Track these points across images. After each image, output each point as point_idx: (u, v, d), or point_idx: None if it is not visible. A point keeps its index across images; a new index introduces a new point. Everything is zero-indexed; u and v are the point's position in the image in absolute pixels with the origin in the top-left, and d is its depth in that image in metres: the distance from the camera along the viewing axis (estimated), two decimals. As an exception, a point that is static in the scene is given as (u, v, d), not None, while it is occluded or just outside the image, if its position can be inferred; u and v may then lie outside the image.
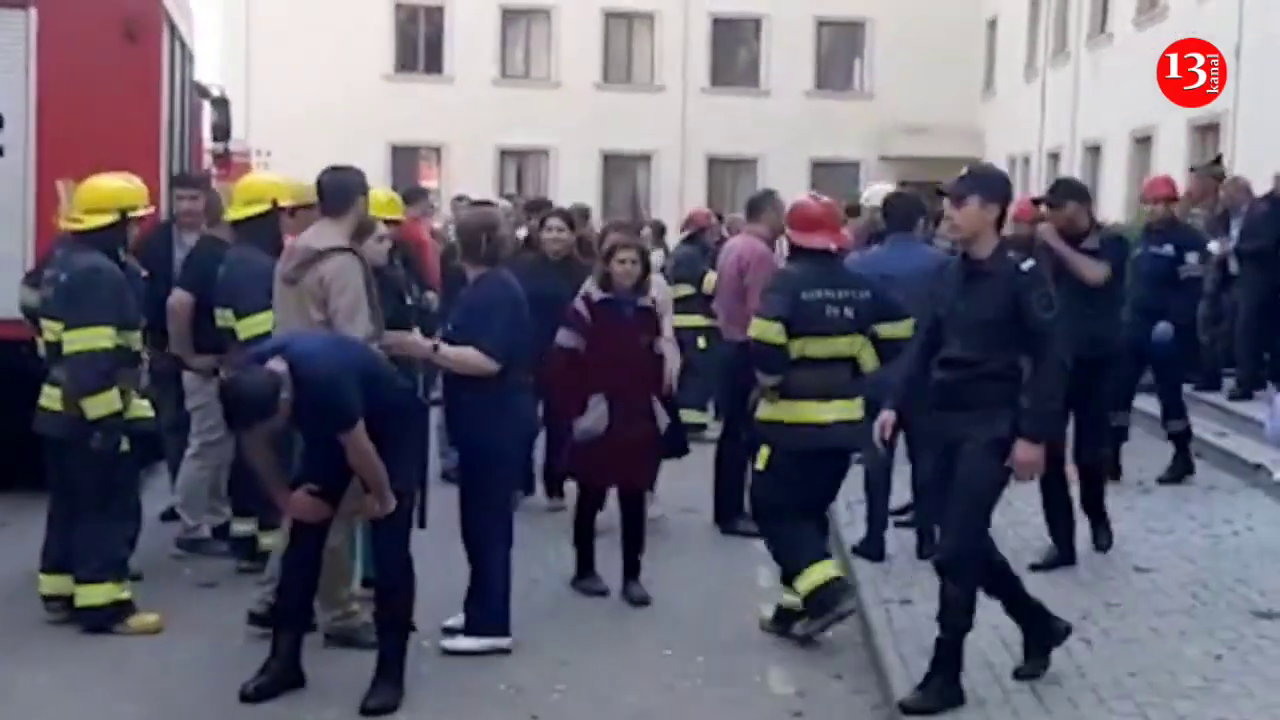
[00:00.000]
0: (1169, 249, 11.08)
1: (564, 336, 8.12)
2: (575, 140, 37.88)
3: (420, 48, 39.24)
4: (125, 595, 7.45)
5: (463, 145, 37.30)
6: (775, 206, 10.48)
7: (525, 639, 7.36)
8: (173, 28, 11.71)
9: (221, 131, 16.18)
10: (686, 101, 38.86)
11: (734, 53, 39.61)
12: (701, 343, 12.64)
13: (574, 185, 36.72)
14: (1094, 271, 8.94)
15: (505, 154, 38.44)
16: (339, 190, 7.15)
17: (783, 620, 7.74)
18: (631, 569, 8.41)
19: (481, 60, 38.55)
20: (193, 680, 6.80)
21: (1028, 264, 6.36)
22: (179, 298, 8.81)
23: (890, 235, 9.36)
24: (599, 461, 8.13)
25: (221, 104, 16.11)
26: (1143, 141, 25.14)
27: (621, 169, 39.28)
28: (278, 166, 28.86)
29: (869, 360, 7.54)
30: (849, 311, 7.41)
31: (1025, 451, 6.20)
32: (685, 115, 38.75)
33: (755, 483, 7.71)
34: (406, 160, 37.34)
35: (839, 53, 39.94)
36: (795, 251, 7.65)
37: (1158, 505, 10.60)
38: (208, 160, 16.20)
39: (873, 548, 8.96)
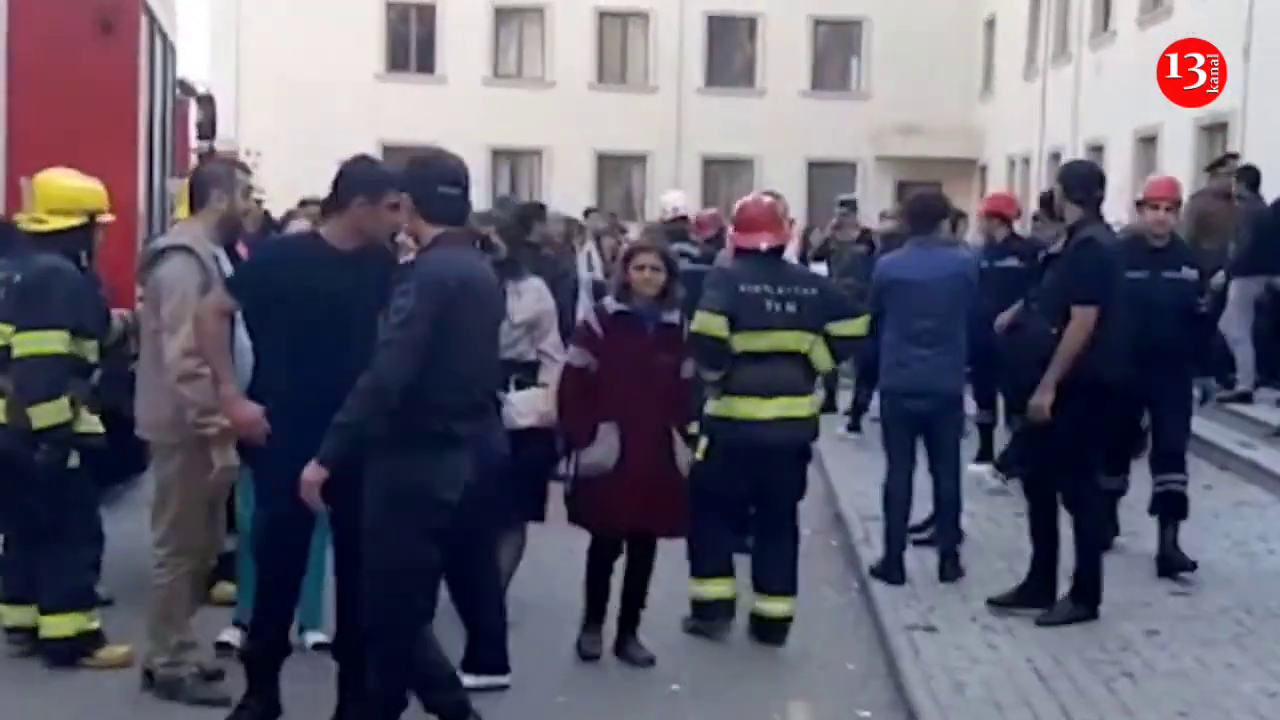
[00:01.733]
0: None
1: (574, 354, 7.11)
2: (569, 141, 37.43)
3: (412, 47, 38.78)
4: (94, 625, 6.91)
5: (455, 146, 35.74)
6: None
7: (524, 673, 6.84)
8: (152, 19, 11.21)
9: (206, 130, 15.66)
10: (681, 101, 38.44)
11: (729, 52, 39.18)
12: None
13: (567, 186, 36.31)
14: None
15: (498, 154, 37.98)
16: (197, 185, 6.67)
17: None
18: (630, 621, 7.33)
19: (474, 60, 38.12)
20: (166, 718, 6.26)
21: None
22: None
23: (912, 238, 8.88)
24: (608, 501, 6.94)
25: (207, 101, 15.60)
26: (1147, 141, 24.73)
27: (616, 170, 38.84)
28: (268, 166, 28.53)
29: (822, 359, 7.57)
30: (790, 306, 7.40)
31: None
32: (680, 115, 38.32)
33: (691, 472, 7.28)
34: (398, 160, 36.41)
35: (835, 52, 39.53)
36: (738, 251, 7.74)
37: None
38: (193, 160, 15.69)
39: (892, 570, 8.46)
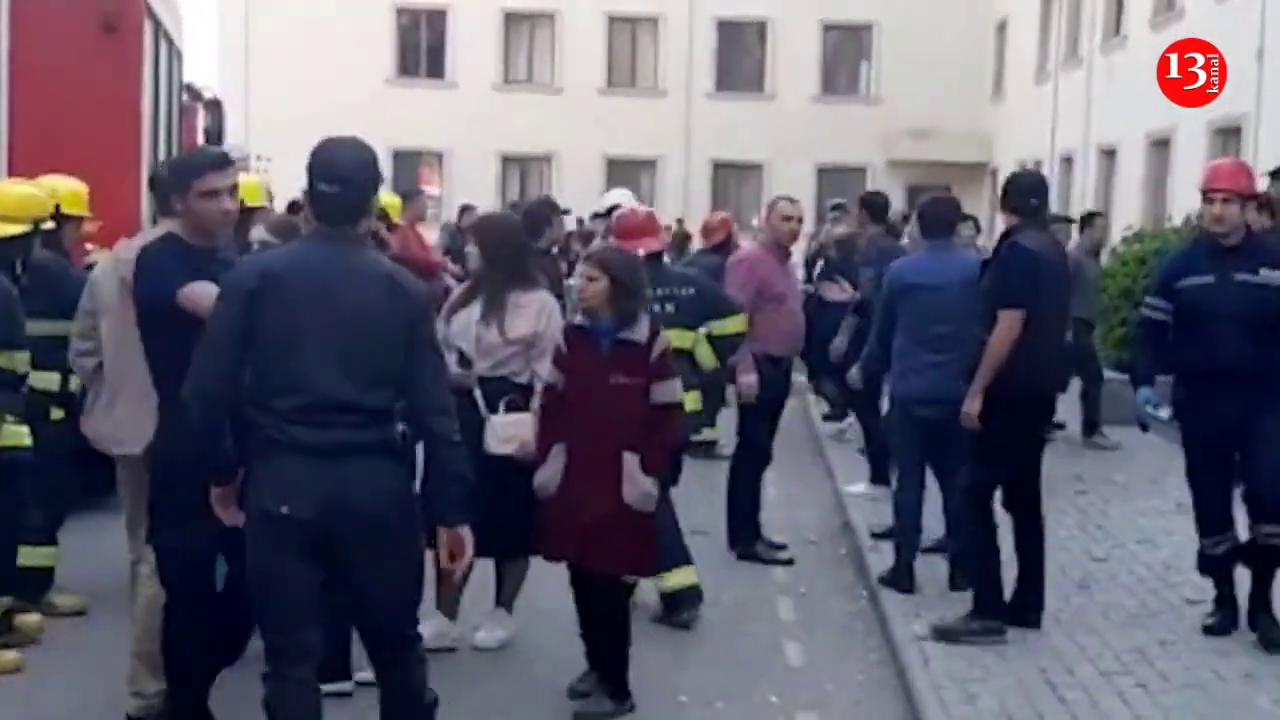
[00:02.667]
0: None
1: (548, 370, 6.59)
2: (578, 145, 37.39)
3: (422, 52, 38.77)
4: None
5: (465, 150, 36.86)
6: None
7: (533, 683, 6.72)
8: (157, 23, 11.15)
9: (214, 135, 15.63)
10: (691, 106, 38.36)
11: (739, 57, 39.11)
12: None
13: (577, 190, 36.20)
14: None
15: (508, 159, 37.94)
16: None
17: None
18: (614, 676, 6.49)
19: (484, 65, 38.10)
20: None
21: None
22: None
23: (928, 242, 8.75)
24: (551, 527, 6.39)
25: (214, 106, 15.57)
26: (1160, 144, 24.58)
27: (625, 174, 38.70)
28: (278, 171, 28.47)
29: (705, 356, 8.23)
30: (669, 307, 7.91)
31: None
32: (689, 120, 38.24)
33: None
34: (408, 165, 36.78)
35: (845, 56, 39.43)
36: None
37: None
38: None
39: (901, 579, 8.33)
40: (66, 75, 9.86)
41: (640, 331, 6.35)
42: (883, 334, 8.79)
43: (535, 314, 6.95)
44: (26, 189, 7.12)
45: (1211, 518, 7.57)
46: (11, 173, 9.51)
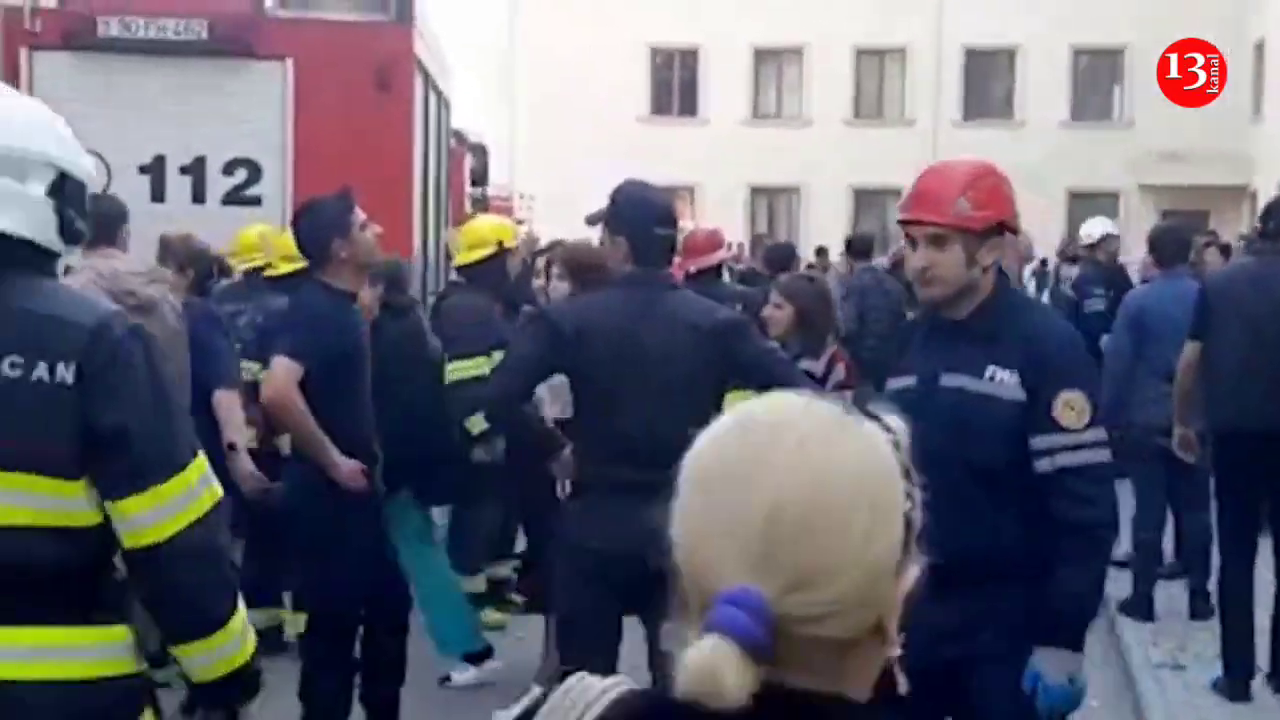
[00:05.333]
0: None
1: None
2: (826, 177, 37.66)
3: (675, 90, 39.49)
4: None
5: (715, 184, 37.42)
6: (1011, 245, 10.20)
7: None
8: (426, 77, 11.83)
9: (479, 177, 16.41)
10: (938, 135, 38.30)
11: (987, 84, 38.94)
12: None
13: (824, 221, 36.58)
14: None
15: (756, 191, 38.42)
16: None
17: None
18: None
19: (734, 100, 38.64)
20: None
21: None
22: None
23: (1162, 270, 8.87)
24: None
25: (479, 151, 16.33)
26: None
27: (872, 204, 38.90)
28: (540, 208, 29.46)
29: None
30: None
31: None
32: (937, 148, 38.13)
33: None
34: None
35: (1096, 81, 38.96)
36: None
37: None
38: (468, 205, 16.43)
39: (1140, 606, 8.48)
40: (344, 130, 10.56)
41: (818, 365, 6.41)
42: (1119, 363, 8.80)
43: None
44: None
45: None
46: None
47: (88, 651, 2.93)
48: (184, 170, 10.43)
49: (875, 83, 39.22)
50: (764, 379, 4.91)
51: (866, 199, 38.64)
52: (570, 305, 6.00)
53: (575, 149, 35.90)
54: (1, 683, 2.85)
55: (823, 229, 35.89)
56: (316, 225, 5.82)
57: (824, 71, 38.39)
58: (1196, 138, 36.34)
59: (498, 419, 5.99)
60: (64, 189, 3.02)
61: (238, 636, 3.01)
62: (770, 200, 38.92)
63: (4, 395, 2.84)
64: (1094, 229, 13.27)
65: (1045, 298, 16.49)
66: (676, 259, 8.14)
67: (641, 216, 5.20)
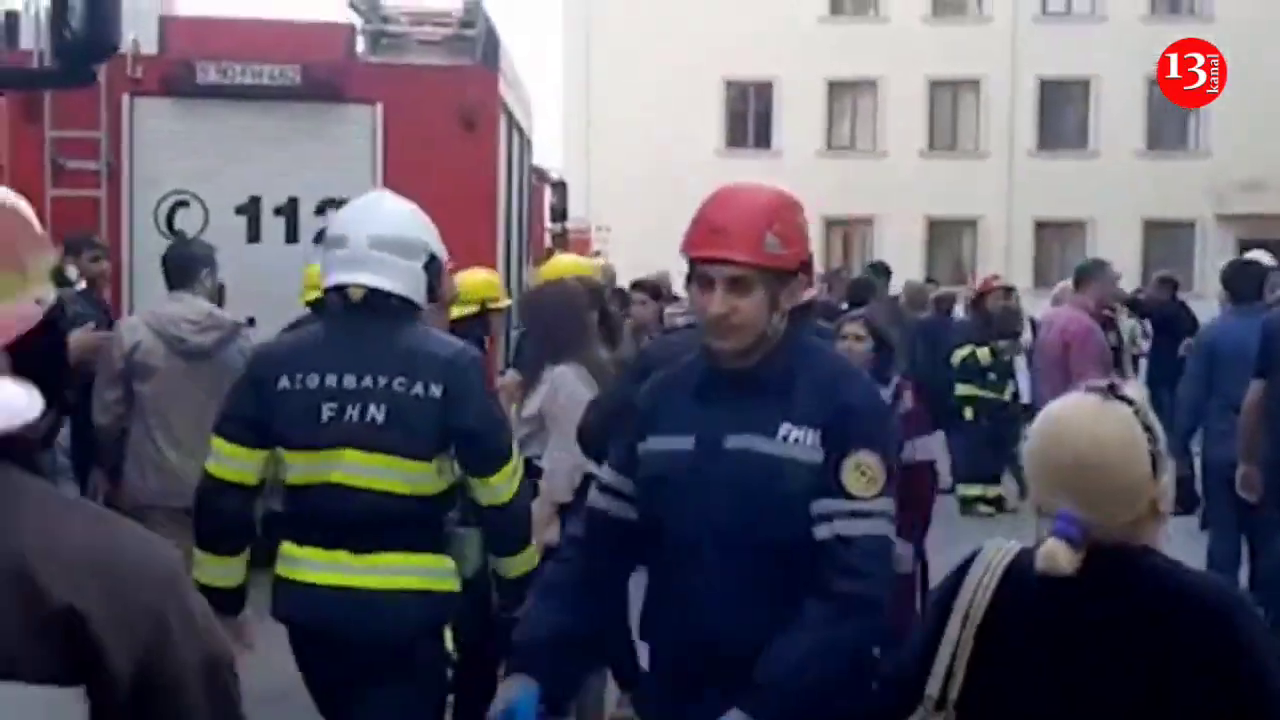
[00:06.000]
0: None
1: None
2: (900, 207, 37.85)
3: (750, 123, 39.78)
4: None
5: (792, 216, 37.55)
6: (1104, 278, 10.31)
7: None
8: (510, 116, 12.14)
9: (559, 213, 16.74)
10: (1013, 165, 38.39)
11: (1062, 115, 38.97)
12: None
13: (898, 251, 36.59)
14: None
15: (831, 223, 38.60)
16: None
17: None
18: None
19: (808, 133, 38.92)
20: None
21: None
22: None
23: (1235, 305, 9.01)
24: None
25: (559, 187, 16.65)
26: None
27: (946, 235, 38.97)
28: (615, 242, 29.77)
29: None
30: None
31: None
32: (1012, 179, 38.27)
33: None
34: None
35: (1171, 110, 38.82)
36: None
37: None
38: (548, 240, 16.75)
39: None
40: (433, 170, 10.81)
41: (886, 392, 6.23)
42: (1195, 398, 8.87)
43: (546, 390, 6.32)
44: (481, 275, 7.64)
45: None
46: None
47: (429, 571, 4.39)
48: (278, 211, 10.74)
49: (949, 114, 39.34)
50: None
51: (941, 230, 38.73)
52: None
53: (651, 182, 36.26)
54: (373, 591, 4.29)
55: (896, 259, 35.98)
56: None
57: (898, 103, 38.58)
58: (1275, 166, 36.22)
59: None
60: (431, 264, 4.42)
61: (531, 555, 4.67)
62: (845, 232, 39.09)
63: (395, 403, 4.26)
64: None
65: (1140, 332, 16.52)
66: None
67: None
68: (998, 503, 13.28)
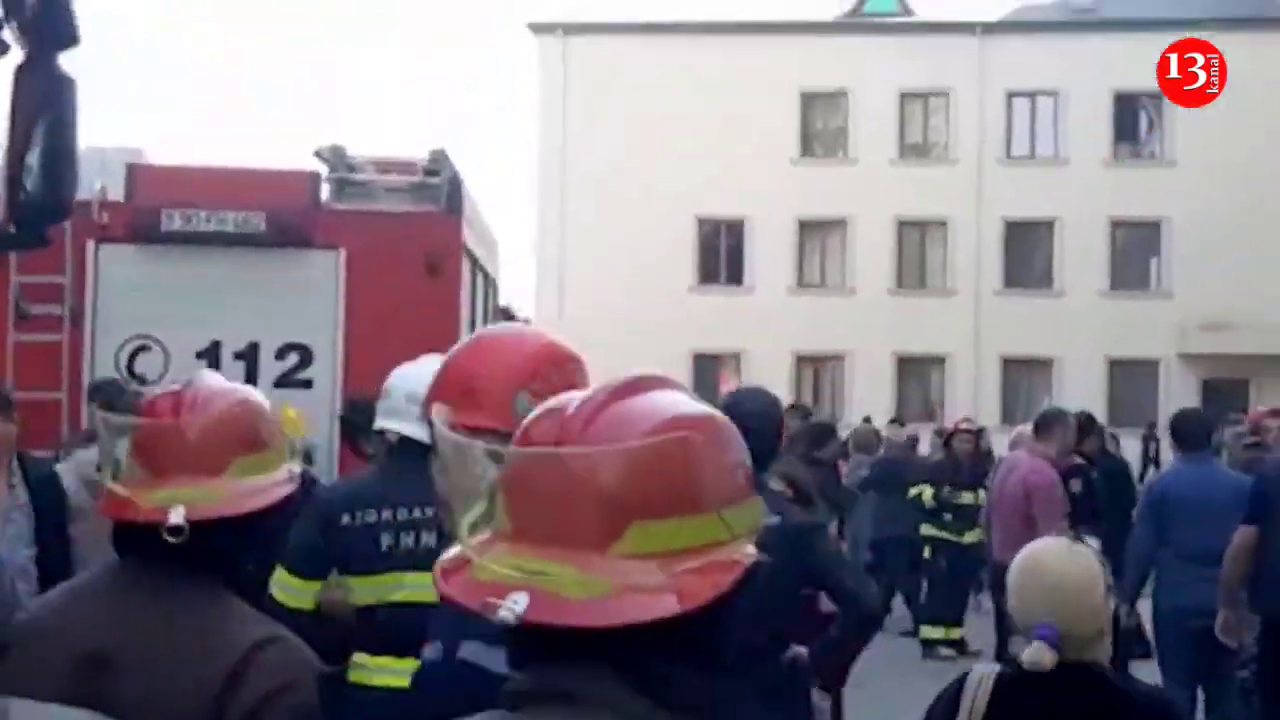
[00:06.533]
0: None
1: None
2: (869, 344, 38.07)
3: (722, 259, 40.08)
4: None
5: (760, 352, 37.83)
6: (1066, 427, 10.40)
7: None
8: (474, 260, 12.27)
9: (523, 351, 16.80)
10: (980, 304, 38.73)
11: (1028, 255, 39.41)
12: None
13: (868, 388, 36.96)
14: None
15: (801, 359, 38.81)
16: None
17: None
18: None
19: (779, 270, 39.24)
20: None
21: None
22: None
23: (1184, 454, 9.11)
24: None
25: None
26: None
27: (915, 372, 39.19)
28: (591, 378, 29.88)
29: None
30: None
31: None
32: (979, 318, 38.60)
33: None
34: (707, 367, 38.03)
35: (1135, 251, 39.36)
36: None
37: None
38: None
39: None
40: (395, 314, 10.92)
41: None
42: (1145, 548, 8.91)
43: None
44: None
45: None
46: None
47: None
48: (238, 355, 10.77)
49: (917, 253, 39.72)
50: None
51: (910, 367, 38.96)
52: None
53: (624, 316, 36.46)
54: None
55: (866, 397, 36.26)
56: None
57: (867, 242, 38.94)
58: (1236, 307, 36.62)
59: None
60: None
61: None
62: (815, 368, 39.27)
63: (413, 530, 4.66)
64: None
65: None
66: None
67: None
68: (959, 645, 13.28)
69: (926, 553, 13.39)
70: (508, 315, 16.23)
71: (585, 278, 37.95)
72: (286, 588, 4.81)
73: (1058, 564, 3.57)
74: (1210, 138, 37.21)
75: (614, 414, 1.79)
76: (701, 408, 1.85)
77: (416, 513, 4.67)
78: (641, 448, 1.70)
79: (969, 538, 13.38)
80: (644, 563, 1.66)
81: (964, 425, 15.48)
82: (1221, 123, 37.03)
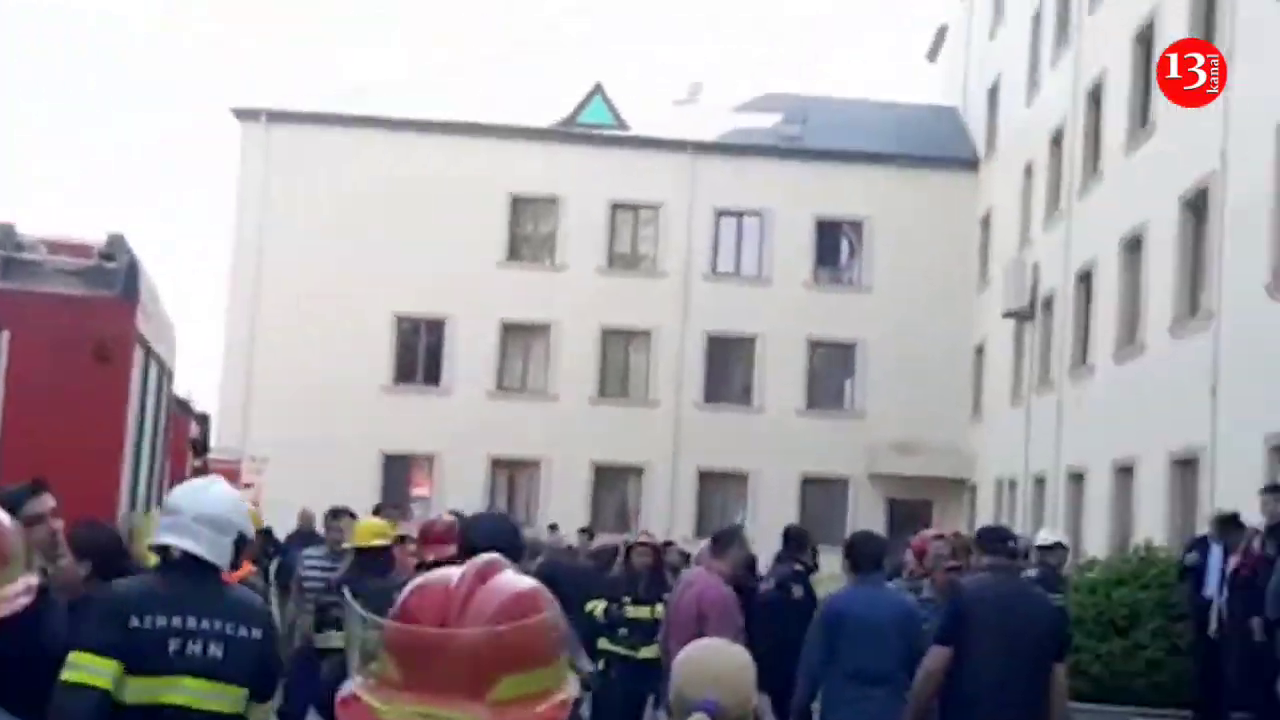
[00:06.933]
0: None
1: None
2: (568, 452, 38.14)
3: (420, 359, 39.70)
4: None
5: (455, 454, 37.53)
6: (741, 544, 10.53)
7: None
8: (148, 349, 11.90)
9: (200, 446, 16.40)
10: (680, 416, 39.22)
11: (728, 370, 40.09)
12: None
13: (564, 495, 37.05)
14: None
15: (497, 463, 38.63)
16: None
17: None
18: None
19: (479, 373, 39.01)
20: None
21: None
22: None
23: (857, 576, 9.29)
24: None
25: (202, 420, 16.36)
26: (1125, 471, 25.22)
27: (612, 481, 39.39)
28: (273, 474, 29.17)
29: None
30: None
31: None
32: (679, 429, 39.07)
33: None
34: (399, 469, 37.59)
35: (830, 372, 40.36)
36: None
37: None
38: (187, 471, 16.36)
39: None
40: (58, 401, 10.53)
41: None
42: (812, 666, 9.05)
43: None
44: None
45: None
46: (1, 481, 10.17)
47: None
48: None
49: (621, 362, 40.06)
50: None
51: (607, 476, 39.15)
52: None
53: (314, 414, 35.83)
54: None
55: (561, 505, 36.34)
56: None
57: (571, 349, 39.14)
58: (924, 432, 37.94)
59: None
60: (241, 542, 5.28)
61: None
62: (512, 473, 39.15)
63: (232, 646, 5.00)
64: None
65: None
66: (412, 548, 8.48)
67: None
68: None
69: (600, 665, 13.26)
70: (184, 407, 15.83)
71: (275, 370, 37.10)
72: (81, 667, 4.87)
73: (715, 648, 3.81)
74: (903, 265, 38.65)
75: (482, 598, 2.32)
76: (531, 582, 2.44)
77: (205, 624, 5.00)
78: (512, 629, 2.27)
79: (644, 653, 13.27)
80: (514, 706, 2.26)
81: (644, 539, 15.46)
82: (915, 252, 38.56)
